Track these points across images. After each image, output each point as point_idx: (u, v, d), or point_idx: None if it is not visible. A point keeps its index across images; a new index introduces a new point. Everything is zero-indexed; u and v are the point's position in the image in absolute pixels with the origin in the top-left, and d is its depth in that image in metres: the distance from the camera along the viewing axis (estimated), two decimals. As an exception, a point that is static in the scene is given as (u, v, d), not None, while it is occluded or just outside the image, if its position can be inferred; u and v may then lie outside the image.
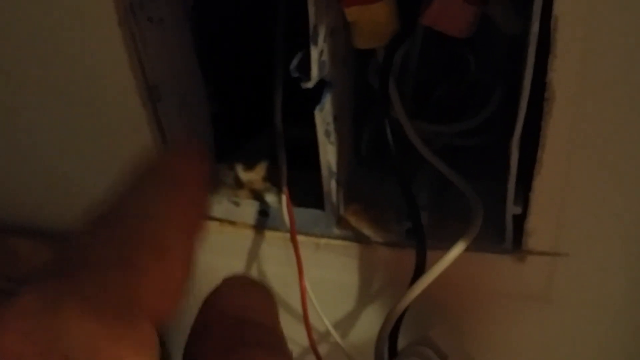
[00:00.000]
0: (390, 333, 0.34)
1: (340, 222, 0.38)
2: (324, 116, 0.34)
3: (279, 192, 0.38)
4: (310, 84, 0.32)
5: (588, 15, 0.26)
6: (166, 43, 0.35)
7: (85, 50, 0.34)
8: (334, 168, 0.36)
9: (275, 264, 0.39)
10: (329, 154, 0.35)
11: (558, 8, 0.26)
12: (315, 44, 0.31)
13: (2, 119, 0.40)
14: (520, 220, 0.34)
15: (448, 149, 0.38)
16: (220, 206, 0.39)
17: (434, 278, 0.32)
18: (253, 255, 0.39)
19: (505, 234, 0.34)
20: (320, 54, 0.32)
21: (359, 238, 0.37)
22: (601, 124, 0.29)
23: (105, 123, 0.37)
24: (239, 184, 0.40)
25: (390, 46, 0.34)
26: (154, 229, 0.20)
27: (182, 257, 0.21)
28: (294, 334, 0.41)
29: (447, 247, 0.32)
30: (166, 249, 0.20)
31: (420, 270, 0.33)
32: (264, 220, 0.39)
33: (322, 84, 0.34)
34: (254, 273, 0.40)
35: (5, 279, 0.42)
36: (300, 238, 0.37)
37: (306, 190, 0.38)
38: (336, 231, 0.38)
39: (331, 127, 0.34)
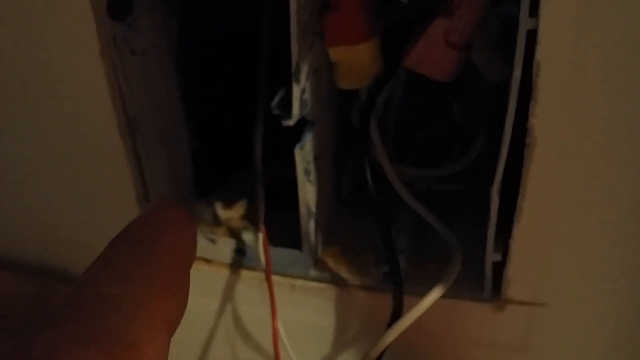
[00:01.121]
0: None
1: (318, 263, 0.37)
2: (304, 155, 0.33)
3: (256, 232, 0.37)
4: (291, 122, 0.32)
5: (570, 60, 0.26)
6: (148, 76, 0.35)
7: (65, 79, 0.34)
8: (313, 208, 0.35)
9: (250, 304, 0.38)
10: (308, 193, 0.35)
11: (540, 53, 0.26)
12: (298, 81, 0.31)
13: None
14: (500, 268, 0.33)
15: (429, 194, 0.38)
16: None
17: (410, 323, 0.31)
18: (228, 294, 0.39)
19: (485, 282, 0.34)
20: (302, 92, 0.32)
21: (336, 280, 0.37)
22: (583, 171, 0.29)
23: (83, 154, 0.36)
24: (216, 222, 0.39)
25: (373, 87, 0.34)
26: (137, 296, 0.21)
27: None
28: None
29: (425, 293, 0.32)
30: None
31: (397, 314, 0.32)
32: (240, 259, 0.38)
33: (303, 123, 0.33)
34: (228, 313, 0.39)
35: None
36: (276, 278, 0.36)
37: (284, 230, 0.38)
38: (313, 272, 0.37)
39: (311, 166, 0.34)
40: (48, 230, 0.41)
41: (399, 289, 0.33)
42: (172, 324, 0.22)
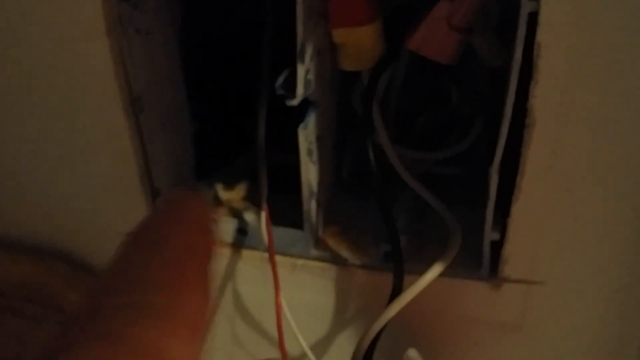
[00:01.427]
0: (365, 355, 0.33)
1: (319, 243, 0.37)
2: (307, 135, 0.34)
3: (258, 212, 0.37)
4: (295, 102, 0.32)
5: (570, 42, 0.27)
6: (152, 55, 0.35)
7: (71, 58, 0.34)
8: (315, 188, 0.36)
9: (251, 283, 0.39)
10: (310, 173, 0.35)
11: (541, 35, 0.27)
12: (302, 61, 0.31)
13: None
14: (497, 248, 0.34)
15: (428, 177, 0.38)
16: (198, 223, 0.39)
17: (409, 300, 0.32)
18: (229, 273, 0.39)
19: (483, 261, 0.34)
20: (307, 72, 0.32)
21: (336, 260, 0.37)
22: (581, 152, 0.30)
23: (87, 133, 0.36)
24: (218, 203, 0.40)
25: (375, 70, 0.34)
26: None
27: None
28: (269, 355, 0.40)
29: (424, 271, 0.32)
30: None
31: (397, 292, 0.33)
32: (242, 238, 0.38)
33: (306, 103, 0.34)
34: (229, 291, 0.40)
35: (2, 295, 0.41)
36: (277, 258, 0.36)
37: (285, 211, 0.38)
38: (314, 252, 0.37)
39: (314, 147, 0.35)
40: (49, 209, 0.41)
41: (400, 267, 0.33)
42: (202, 327, 0.20)
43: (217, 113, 0.42)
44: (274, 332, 0.36)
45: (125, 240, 0.22)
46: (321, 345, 0.40)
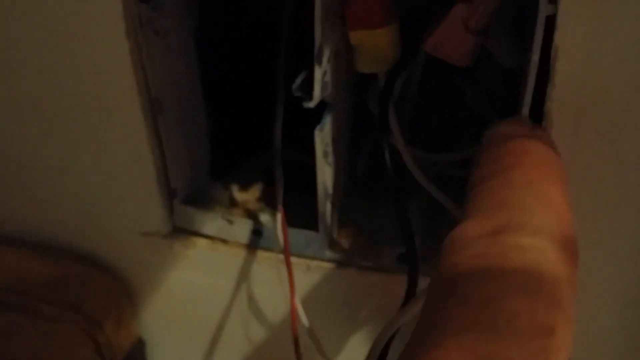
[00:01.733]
0: (378, 358, 0.34)
1: (333, 244, 0.38)
2: (323, 137, 0.34)
3: (273, 213, 0.38)
4: (312, 104, 0.33)
5: (588, 45, 0.27)
6: (170, 57, 0.36)
7: (90, 58, 0.34)
8: (330, 189, 0.36)
9: (266, 284, 0.39)
10: (325, 174, 0.35)
11: (559, 38, 0.27)
12: (320, 63, 0.31)
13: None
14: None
15: (441, 178, 0.38)
16: (214, 224, 0.39)
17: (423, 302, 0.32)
18: (244, 274, 0.39)
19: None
20: (324, 74, 0.32)
21: (350, 261, 0.37)
22: (598, 154, 0.30)
23: (106, 134, 0.37)
24: (233, 204, 0.40)
25: (391, 72, 0.35)
26: None
27: None
28: (284, 355, 0.40)
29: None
30: None
31: (411, 294, 0.33)
32: (257, 239, 0.39)
33: (323, 105, 0.34)
34: (243, 292, 0.40)
35: (19, 294, 0.42)
36: (291, 259, 0.36)
37: (299, 213, 0.38)
38: (328, 253, 0.38)
39: (329, 149, 0.35)
40: (67, 209, 0.41)
41: (414, 269, 0.33)
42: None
43: (234, 114, 0.42)
44: (288, 333, 0.36)
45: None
46: (335, 347, 0.40)
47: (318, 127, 0.34)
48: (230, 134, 0.42)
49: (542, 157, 0.25)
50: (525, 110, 0.30)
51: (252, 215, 0.39)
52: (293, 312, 0.35)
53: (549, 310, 0.19)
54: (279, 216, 0.36)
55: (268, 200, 0.40)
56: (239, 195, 0.40)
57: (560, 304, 0.19)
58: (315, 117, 0.34)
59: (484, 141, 0.27)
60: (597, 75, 0.28)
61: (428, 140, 0.40)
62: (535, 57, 0.28)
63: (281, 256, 0.36)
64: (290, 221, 0.37)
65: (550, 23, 0.27)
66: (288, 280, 0.35)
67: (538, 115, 0.30)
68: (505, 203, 0.22)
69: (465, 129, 0.40)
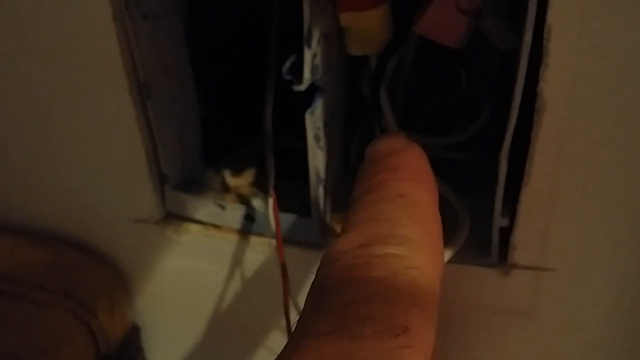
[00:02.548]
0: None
1: (326, 229, 0.37)
2: (314, 121, 0.34)
3: (265, 198, 0.37)
4: (302, 87, 0.32)
5: (581, 24, 0.26)
6: (159, 41, 0.35)
7: (77, 43, 0.34)
8: (322, 174, 0.35)
9: (259, 269, 0.39)
10: (317, 159, 0.35)
11: (551, 17, 0.27)
12: (309, 46, 0.31)
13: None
14: (506, 234, 0.34)
15: (436, 162, 0.38)
16: (206, 209, 0.39)
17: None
18: (237, 260, 0.39)
19: (492, 247, 0.34)
20: (314, 57, 0.32)
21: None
22: (591, 137, 0.29)
23: (95, 120, 0.36)
24: (225, 189, 0.40)
25: (383, 54, 0.34)
26: None
27: None
28: (276, 341, 0.40)
29: (433, 257, 0.32)
30: None
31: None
32: (249, 225, 0.38)
33: (313, 89, 0.34)
34: (237, 278, 0.40)
35: (11, 281, 0.42)
36: (284, 244, 0.36)
37: (292, 198, 0.38)
38: (321, 238, 0.37)
39: (321, 132, 0.34)
40: (58, 196, 0.41)
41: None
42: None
43: (225, 99, 0.42)
44: (282, 318, 0.36)
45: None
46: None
47: (309, 111, 0.33)
48: (223, 120, 0.42)
49: (413, 171, 0.27)
50: (518, 91, 0.29)
51: (244, 200, 0.39)
52: (285, 298, 0.35)
53: (405, 312, 0.20)
54: (271, 201, 0.36)
55: (261, 186, 0.39)
56: (231, 180, 0.40)
57: (417, 305, 0.20)
58: (306, 101, 0.34)
59: (365, 157, 0.29)
60: (592, 54, 0.27)
61: (422, 124, 0.40)
62: (527, 38, 0.28)
63: (274, 241, 0.36)
64: (283, 206, 0.37)
65: (543, 3, 0.27)
66: (280, 265, 0.35)
67: (531, 97, 0.29)
68: (376, 217, 0.24)
69: (460, 112, 0.40)
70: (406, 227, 0.23)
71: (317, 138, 0.34)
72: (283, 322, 0.36)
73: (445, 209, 0.35)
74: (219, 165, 0.41)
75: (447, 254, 0.32)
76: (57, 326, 0.38)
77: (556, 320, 0.35)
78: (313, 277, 0.38)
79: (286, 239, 0.37)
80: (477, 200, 0.35)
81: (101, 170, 0.38)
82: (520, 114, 0.30)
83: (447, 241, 0.33)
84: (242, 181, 0.40)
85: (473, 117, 0.38)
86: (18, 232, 0.42)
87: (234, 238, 0.39)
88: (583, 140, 0.29)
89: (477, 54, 0.39)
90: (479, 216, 0.34)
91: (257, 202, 0.38)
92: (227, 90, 0.42)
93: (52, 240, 0.41)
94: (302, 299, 0.37)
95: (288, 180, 0.38)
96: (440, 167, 0.36)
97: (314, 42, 0.31)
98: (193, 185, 0.40)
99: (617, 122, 0.29)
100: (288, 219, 0.37)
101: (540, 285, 0.34)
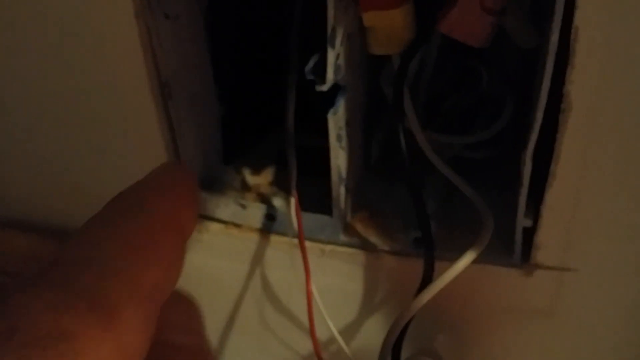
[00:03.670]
0: (395, 343, 0.33)
1: (347, 229, 0.37)
2: (336, 120, 0.33)
3: (286, 197, 0.37)
4: (325, 87, 0.32)
5: (608, 26, 0.26)
6: (180, 40, 0.35)
7: (99, 42, 0.34)
8: (344, 174, 0.35)
9: (279, 269, 0.39)
10: (339, 159, 0.35)
11: (579, 18, 0.26)
12: (333, 46, 0.31)
13: (8, 110, 0.39)
14: (530, 234, 0.34)
15: (457, 161, 0.38)
16: (227, 208, 0.39)
17: (440, 288, 0.32)
18: (257, 259, 0.39)
19: (515, 247, 0.34)
20: (337, 57, 0.32)
21: (365, 246, 0.37)
22: (618, 138, 0.29)
23: (116, 118, 0.36)
24: (245, 188, 0.40)
25: (406, 54, 0.34)
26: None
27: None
28: (299, 341, 0.41)
29: (455, 258, 0.32)
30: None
31: (427, 279, 0.33)
32: (270, 224, 0.38)
33: (336, 88, 0.33)
34: (257, 277, 0.40)
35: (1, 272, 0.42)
36: (305, 243, 0.36)
37: (313, 197, 0.38)
38: (343, 238, 0.37)
39: (343, 132, 0.34)
40: (77, 194, 0.41)
41: (430, 254, 0.33)
42: (157, 293, 0.20)
43: (246, 97, 0.42)
44: (303, 317, 0.36)
45: (109, 201, 0.23)
46: (350, 331, 0.40)
47: (331, 111, 0.33)
48: (243, 118, 0.42)
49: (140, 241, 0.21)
50: (544, 92, 0.29)
51: (265, 199, 0.39)
52: (309, 297, 0.35)
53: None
54: (293, 200, 0.36)
55: (281, 185, 0.39)
56: (251, 179, 0.39)
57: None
58: (328, 100, 0.34)
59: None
60: (619, 55, 0.27)
61: (444, 122, 0.40)
62: (554, 38, 0.28)
63: (295, 240, 0.36)
64: (304, 205, 0.37)
65: (570, 2, 0.27)
66: (303, 264, 0.35)
67: (557, 98, 0.29)
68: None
69: (482, 111, 0.39)
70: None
71: (339, 138, 0.34)
72: (304, 321, 0.36)
73: (467, 207, 0.35)
74: (239, 163, 0.41)
75: (471, 255, 0.32)
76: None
77: (578, 320, 0.35)
78: (333, 275, 0.38)
79: (307, 238, 0.37)
80: (499, 198, 0.35)
81: (122, 170, 0.38)
82: (545, 113, 0.30)
83: (469, 241, 0.33)
84: (262, 180, 0.40)
85: (494, 116, 0.38)
86: (34, 230, 0.42)
87: (254, 237, 0.38)
88: (609, 141, 0.29)
89: (498, 52, 0.38)
90: (501, 215, 0.34)
91: (278, 201, 0.38)
92: (246, 89, 0.42)
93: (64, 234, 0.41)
94: (323, 298, 0.37)
95: (309, 179, 0.38)
96: (462, 166, 0.36)
97: (338, 41, 0.31)
98: (213, 184, 0.40)
99: (645, 124, 0.28)
100: (309, 218, 0.37)
101: (562, 286, 0.34)
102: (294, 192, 0.35)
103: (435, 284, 0.32)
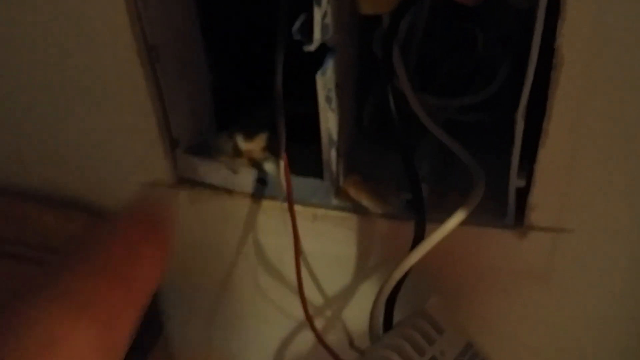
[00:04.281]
0: (386, 304, 0.33)
1: (339, 192, 0.37)
2: (325, 82, 0.33)
3: (277, 162, 0.37)
4: (312, 47, 0.31)
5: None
6: (167, 5, 0.35)
7: (83, 5, 0.33)
8: (335, 136, 0.35)
9: (271, 233, 0.39)
10: (329, 121, 0.34)
11: (569, -32, 0.26)
12: (319, 4, 0.30)
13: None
14: (523, 196, 0.33)
15: (451, 125, 0.37)
16: (218, 174, 0.38)
17: (432, 246, 0.31)
18: (250, 224, 0.39)
19: (508, 208, 0.33)
20: (324, 16, 0.31)
21: (357, 209, 0.37)
22: (610, 93, 0.28)
23: (104, 84, 0.36)
24: (237, 153, 0.39)
25: (396, 13, 0.33)
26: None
27: None
28: (289, 306, 0.40)
29: (447, 220, 0.32)
30: None
31: (419, 239, 0.32)
32: (261, 189, 0.38)
33: (324, 49, 0.33)
34: (249, 242, 0.39)
35: (25, 245, 0.42)
36: (297, 208, 0.36)
37: (306, 162, 0.37)
38: (334, 202, 0.37)
39: (333, 94, 0.34)
40: (68, 160, 0.41)
41: (422, 213, 0.33)
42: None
43: (237, 64, 0.41)
44: (294, 281, 0.36)
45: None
46: (343, 295, 0.40)
47: (319, 72, 0.33)
48: (235, 85, 0.41)
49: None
50: (535, 46, 0.28)
51: (256, 164, 0.38)
52: (297, 260, 0.35)
53: None
54: (282, 163, 0.35)
55: (273, 150, 0.39)
56: (243, 144, 0.39)
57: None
58: (317, 62, 0.33)
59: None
60: (609, 8, 0.26)
61: (438, 86, 0.39)
62: (544, -11, 0.27)
63: (286, 205, 0.36)
64: (296, 170, 0.36)
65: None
66: (292, 228, 0.35)
67: (549, 54, 0.28)
68: None
69: (477, 73, 0.39)
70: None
71: (328, 100, 0.34)
72: (294, 282, 0.36)
73: (460, 172, 0.35)
74: (231, 129, 0.40)
75: (463, 213, 0.32)
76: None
77: (573, 283, 0.35)
78: (325, 240, 0.38)
79: (299, 202, 0.37)
80: (493, 162, 0.35)
81: (111, 133, 0.38)
82: (538, 73, 0.29)
83: (461, 201, 0.32)
84: (254, 145, 0.39)
85: (490, 78, 0.37)
86: (30, 197, 0.42)
87: (246, 202, 0.38)
88: (602, 97, 0.29)
89: (493, 13, 0.38)
90: (496, 178, 0.34)
91: (269, 166, 0.38)
92: (238, 55, 0.41)
93: (66, 206, 0.41)
94: (316, 262, 0.37)
95: (301, 145, 0.38)
96: (456, 130, 0.36)
97: (324, 0, 0.31)
98: (205, 149, 0.39)
99: (637, 75, 0.28)
100: (300, 182, 0.37)
101: (557, 247, 0.34)
102: (283, 154, 0.35)
103: (427, 242, 0.32)
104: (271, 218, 0.38)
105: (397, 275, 0.32)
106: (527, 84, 0.30)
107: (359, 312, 0.39)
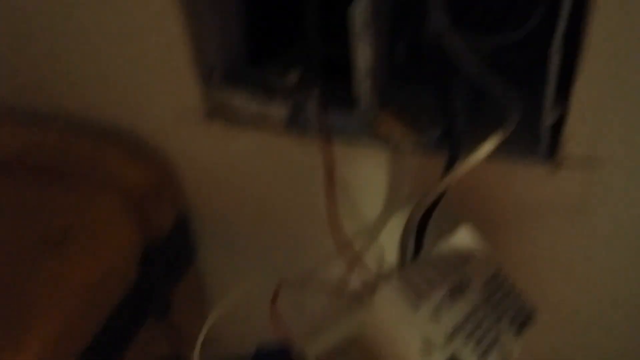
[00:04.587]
0: (417, 232, 0.34)
1: (372, 126, 0.37)
2: (359, 15, 0.33)
3: (311, 96, 0.37)
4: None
5: None
6: None
7: None
8: (368, 70, 0.35)
9: (304, 166, 0.39)
10: (363, 54, 0.34)
11: None
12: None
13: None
14: (556, 131, 0.33)
15: (485, 65, 0.37)
16: (251, 106, 0.39)
17: (463, 174, 0.31)
18: (282, 156, 0.39)
19: (541, 141, 0.33)
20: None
21: (390, 142, 0.37)
22: None
23: (137, 12, 0.37)
24: (271, 88, 0.40)
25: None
26: None
27: None
28: (322, 237, 0.41)
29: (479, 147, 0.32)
30: None
31: (451, 164, 0.33)
32: (294, 122, 0.38)
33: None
34: (282, 175, 0.40)
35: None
36: (330, 141, 0.36)
37: (339, 98, 0.38)
38: (368, 135, 0.37)
39: (366, 28, 0.34)
40: (103, 88, 0.42)
41: (454, 142, 0.33)
42: None
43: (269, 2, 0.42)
44: (323, 210, 0.36)
45: None
46: (375, 226, 0.40)
47: (352, 5, 0.33)
48: (270, 21, 0.42)
49: None
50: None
51: (289, 98, 0.39)
52: (330, 193, 0.35)
53: None
54: (316, 98, 0.36)
55: (307, 85, 0.39)
56: (276, 79, 0.40)
57: None
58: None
59: None
60: None
61: (474, 25, 0.39)
62: None
63: (320, 138, 0.36)
64: (330, 106, 0.37)
65: None
66: (324, 161, 0.35)
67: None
68: None
69: (512, 13, 0.39)
70: None
71: (361, 33, 0.34)
72: (326, 214, 0.36)
73: (493, 110, 0.35)
74: (265, 65, 0.41)
75: (495, 141, 0.32)
76: (103, 214, 0.39)
77: (609, 214, 0.35)
78: (360, 173, 0.38)
79: (332, 135, 0.37)
80: (527, 101, 0.35)
81: (144, 62, 0.39)
82: (574, 9, 0.29)
83: (494, 133, 0.32)
84: (287, 80, 0.40)
85: (526, 17, 0.37)
86: (66, 125, 0.43)
87: (279, 134, 0.38)
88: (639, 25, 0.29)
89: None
90: (530, 116, 0.34)
91: (302, 99, 0.38)
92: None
93: (99, 133, 0.42)
94: (348, 195, 0.37)
95: (334, 83, 0.38)
96: (490, 70, 0.36)
97: None
98: (239, 83, 0.40)
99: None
100: (335, 116, 0.37)
101: (592, 178, 0.34)
102: (317, 89, 0.35)
103: (458, 170, 0.32)
104: (304, 151, 0.38)
105: (428, 200, 0.32)
106: (562, 17, 0.30)
107: (390, 244, 0.39)
